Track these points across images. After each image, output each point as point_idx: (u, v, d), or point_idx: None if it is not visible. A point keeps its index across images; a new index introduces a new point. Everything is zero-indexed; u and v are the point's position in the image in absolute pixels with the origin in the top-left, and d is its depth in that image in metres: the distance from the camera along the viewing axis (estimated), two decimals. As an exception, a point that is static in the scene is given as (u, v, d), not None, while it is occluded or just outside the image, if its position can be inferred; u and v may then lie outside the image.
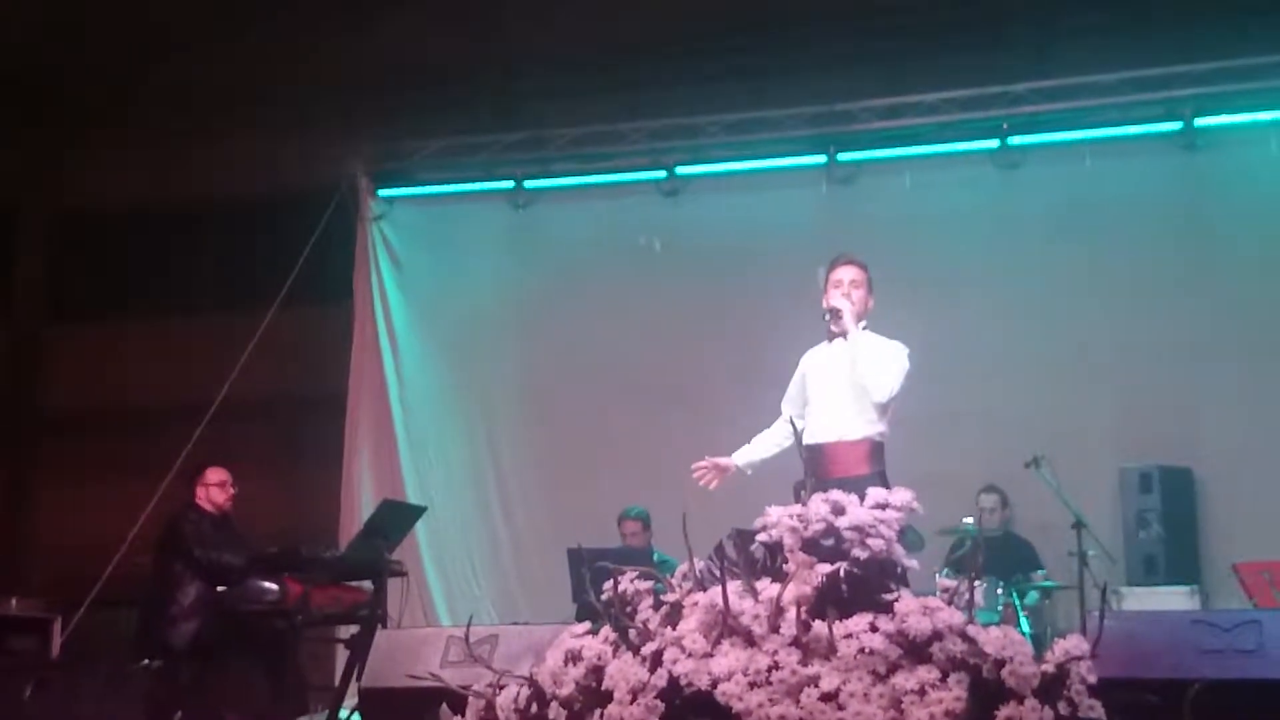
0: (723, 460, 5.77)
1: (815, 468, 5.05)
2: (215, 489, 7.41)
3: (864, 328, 5.54)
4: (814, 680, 3.14)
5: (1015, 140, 9.17)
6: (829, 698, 3.10)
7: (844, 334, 5.49)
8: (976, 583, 3.52)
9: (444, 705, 3.65)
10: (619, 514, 8.48)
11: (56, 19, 9.90)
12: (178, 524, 7.20)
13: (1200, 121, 8.86)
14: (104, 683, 6.70)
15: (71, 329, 11.57)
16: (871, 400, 5.39)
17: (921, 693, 3.08)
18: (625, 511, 8.49)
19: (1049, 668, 3.21)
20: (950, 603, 3.38)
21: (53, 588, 9.45)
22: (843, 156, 9.47)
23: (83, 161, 11.52)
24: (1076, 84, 8.92)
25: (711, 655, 3.27)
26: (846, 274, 5.58)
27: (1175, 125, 8.93)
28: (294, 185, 10.26)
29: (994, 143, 9.21)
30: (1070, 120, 9.07)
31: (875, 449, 5.42)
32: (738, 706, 3.13)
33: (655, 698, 3.22)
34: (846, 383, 5.48)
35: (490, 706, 3.52)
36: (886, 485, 3.75)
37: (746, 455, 5.78)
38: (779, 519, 3.56)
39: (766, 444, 5.76)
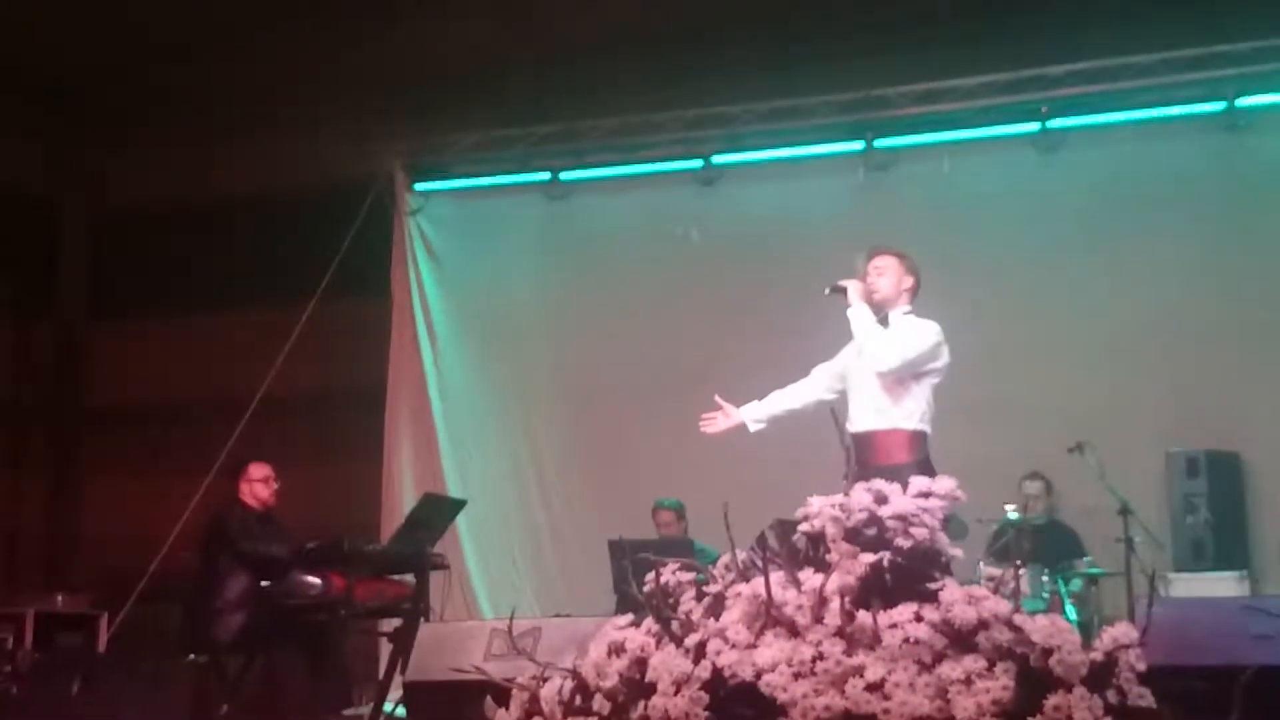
0: (729, 408, 5.82)
1: (857, 455, 5.06)
2: (259, 484, 7.44)
3: (906, 313, 5.57)
4: (859, 670, 3.12)
5: (1054, 123, 9.06)
6: (874, 688, 3.08)
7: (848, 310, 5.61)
8: (1021, 570, 3.48)
9: (488, 698, 3.65)
10: (652, 504, 8.49)
11: (96, 18, 9.97)
12: (222, 518, 7.24)
13: (1243, 101, 8.71)
14: (150, 678, 6.75)
15: (114, 326, 11.66)
16: (874, 370, 5.42)
17: (968, 682, 3.06)
18: (658, 502, 8.51)
19: (1097, 656, 3.17)
20: (996, 591, 3.35)
21: (98, 584, 9.55)
22: (880, 142, 9.39)
23: (124, 159, 11.61)
24: (1116, 65, 8.80)
25: (755, 646, 3.26)
26: (874, 262, 5.68)
27: (1218, 105, 8.78)
28: (331, 180, 10.28)
29: (1033, 126, 9.10)
30: (1110, 102, 8.95)
31: (914, 437, 5.41)
32: (782, 697, 3.12)
33: (699, 689, 3.21)
34: (872, 370, 5.52)
35: (534, 699, 3.51)
36: (931, 474, 3.71)
37: (755, 410, 5.82)
38: (821, 509, 3.54)
39: (779, 402, 5.82)
